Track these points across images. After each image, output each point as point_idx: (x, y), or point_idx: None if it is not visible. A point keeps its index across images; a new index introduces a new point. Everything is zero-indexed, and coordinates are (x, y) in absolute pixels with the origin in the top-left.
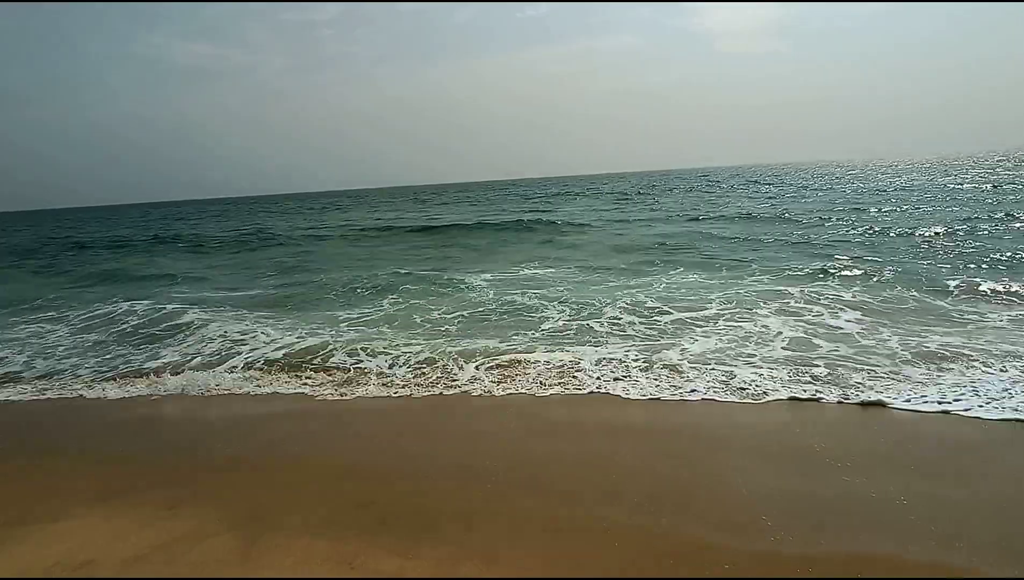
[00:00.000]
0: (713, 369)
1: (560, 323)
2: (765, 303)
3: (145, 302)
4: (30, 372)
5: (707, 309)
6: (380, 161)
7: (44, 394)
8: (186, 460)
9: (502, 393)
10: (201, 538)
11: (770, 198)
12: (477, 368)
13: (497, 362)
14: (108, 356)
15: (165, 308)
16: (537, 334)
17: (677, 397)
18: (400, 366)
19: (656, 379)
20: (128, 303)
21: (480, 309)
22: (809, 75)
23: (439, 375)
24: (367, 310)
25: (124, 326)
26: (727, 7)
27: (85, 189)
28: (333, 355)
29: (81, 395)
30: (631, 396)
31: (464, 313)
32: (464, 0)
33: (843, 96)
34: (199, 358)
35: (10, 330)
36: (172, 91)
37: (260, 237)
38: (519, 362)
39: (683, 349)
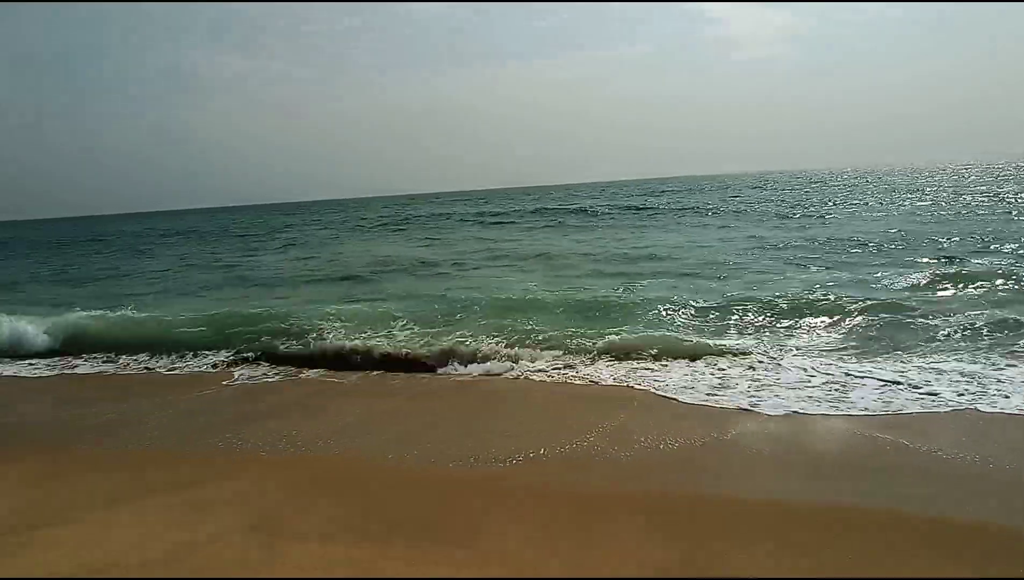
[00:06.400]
0: None
1: None
2: None
3: None
4: None
5: None
6: (388, 168)
7: None
8: (202, 459)
9: None
10: (219, 542)
11: None
12: None
13: None
14: None
15: None
16: None
17: None
18: None
19: None
20: None
21: None
22: (815, 80)
23: None
24: None
25: None
26: (737, 14)
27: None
28: None
29: None
30: None
31: None
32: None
33: (842, 101)
34: None
35: None
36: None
37: None
38: None
39: None
